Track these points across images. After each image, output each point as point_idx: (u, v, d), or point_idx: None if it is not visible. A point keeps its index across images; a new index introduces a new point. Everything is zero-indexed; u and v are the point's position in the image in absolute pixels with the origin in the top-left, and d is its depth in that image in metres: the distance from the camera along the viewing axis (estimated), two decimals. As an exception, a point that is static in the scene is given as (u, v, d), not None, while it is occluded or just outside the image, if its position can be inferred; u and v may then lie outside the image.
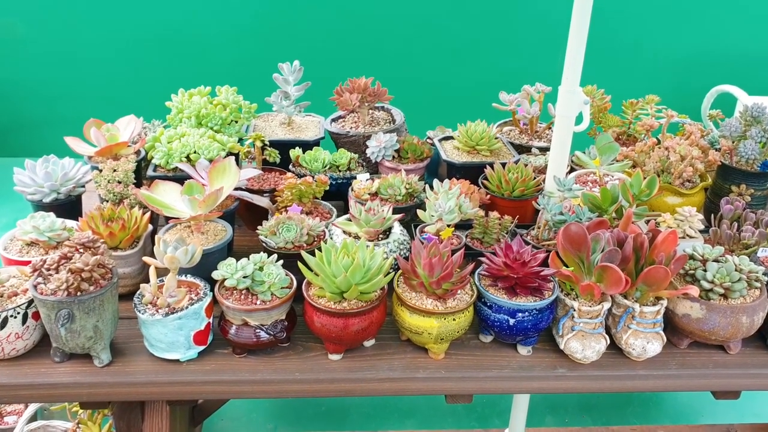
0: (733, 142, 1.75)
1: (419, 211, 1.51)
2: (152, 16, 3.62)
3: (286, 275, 1.34)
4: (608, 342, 1.34)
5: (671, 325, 1.41)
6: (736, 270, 1.34)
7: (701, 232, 1.58)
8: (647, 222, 1.60)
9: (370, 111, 2.02)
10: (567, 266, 1.37)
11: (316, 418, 2.53)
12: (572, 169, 1.88)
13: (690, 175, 1.67)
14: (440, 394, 1.36)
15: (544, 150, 1.94)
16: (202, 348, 1.32)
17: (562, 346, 1.34)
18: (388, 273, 1.32)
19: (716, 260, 1.40)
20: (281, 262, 1.35)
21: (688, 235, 1.54)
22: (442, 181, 1.59)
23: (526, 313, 1.31)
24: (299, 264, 1.30)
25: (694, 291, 1.31)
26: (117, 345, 1.34)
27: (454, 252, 1.38)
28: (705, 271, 1.36)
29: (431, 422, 2.51)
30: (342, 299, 1.28)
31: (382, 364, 1.33)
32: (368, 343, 1.38)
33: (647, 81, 3.97)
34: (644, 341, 1.33)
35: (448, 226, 1.50)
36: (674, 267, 1.30)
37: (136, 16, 3.66)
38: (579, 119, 1.57)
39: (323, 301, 1.29)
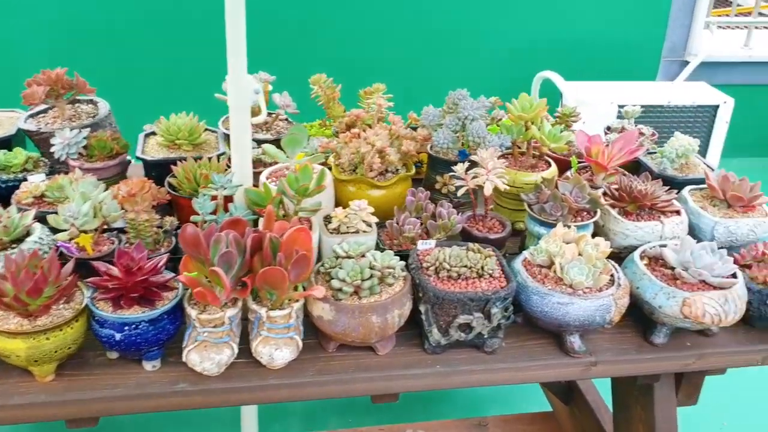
0: (431, 131, 1.69)
1: (48, 217, 1.36)
2: None
3: None
4: (234, 352, 1.24)
5: (320, 329, 1.32)
6: (369, 267, 1.26)
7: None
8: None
9: (76, 105, 1.85)
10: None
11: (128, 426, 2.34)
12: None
13: (379, 166, 1.60)
14: (51, 421, 1.22)
15: (260, 142, 1.82)
16: None
17: (184, 359, 1.23)
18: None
19: (364, 256, 1.32)
20: None
21: (361, 230, 1.46)
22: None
23: (134, 326, 1.18)
24: None
25: (318, 292, 1.22)
26: None
27: (66, 263, 1.24)
28: (341, 269, 1.28)
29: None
30: None
31: (-27, 391, 1.18)
32: (-31, 369, 1.22)
33: (477, 71, 3.96)
34: (272, 348, 1.23)
35: (86, 232, 1.36)
36: (294, 267, 1.21)
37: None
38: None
39: None
